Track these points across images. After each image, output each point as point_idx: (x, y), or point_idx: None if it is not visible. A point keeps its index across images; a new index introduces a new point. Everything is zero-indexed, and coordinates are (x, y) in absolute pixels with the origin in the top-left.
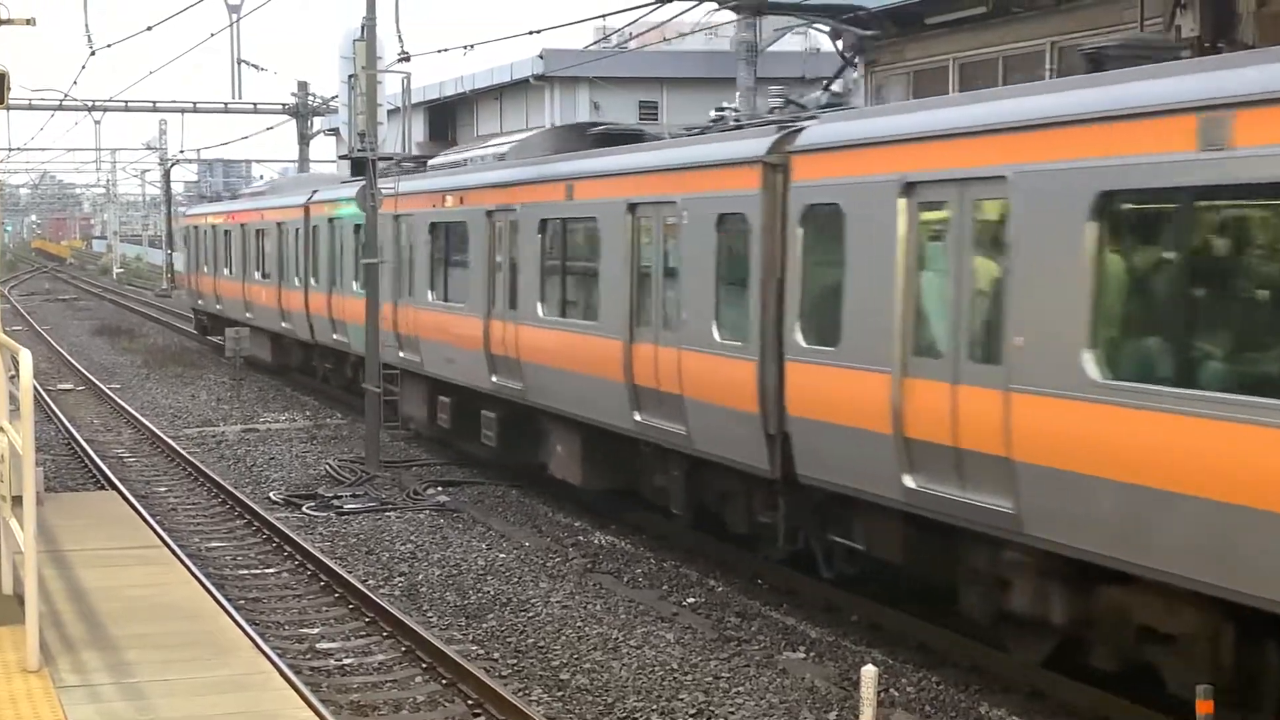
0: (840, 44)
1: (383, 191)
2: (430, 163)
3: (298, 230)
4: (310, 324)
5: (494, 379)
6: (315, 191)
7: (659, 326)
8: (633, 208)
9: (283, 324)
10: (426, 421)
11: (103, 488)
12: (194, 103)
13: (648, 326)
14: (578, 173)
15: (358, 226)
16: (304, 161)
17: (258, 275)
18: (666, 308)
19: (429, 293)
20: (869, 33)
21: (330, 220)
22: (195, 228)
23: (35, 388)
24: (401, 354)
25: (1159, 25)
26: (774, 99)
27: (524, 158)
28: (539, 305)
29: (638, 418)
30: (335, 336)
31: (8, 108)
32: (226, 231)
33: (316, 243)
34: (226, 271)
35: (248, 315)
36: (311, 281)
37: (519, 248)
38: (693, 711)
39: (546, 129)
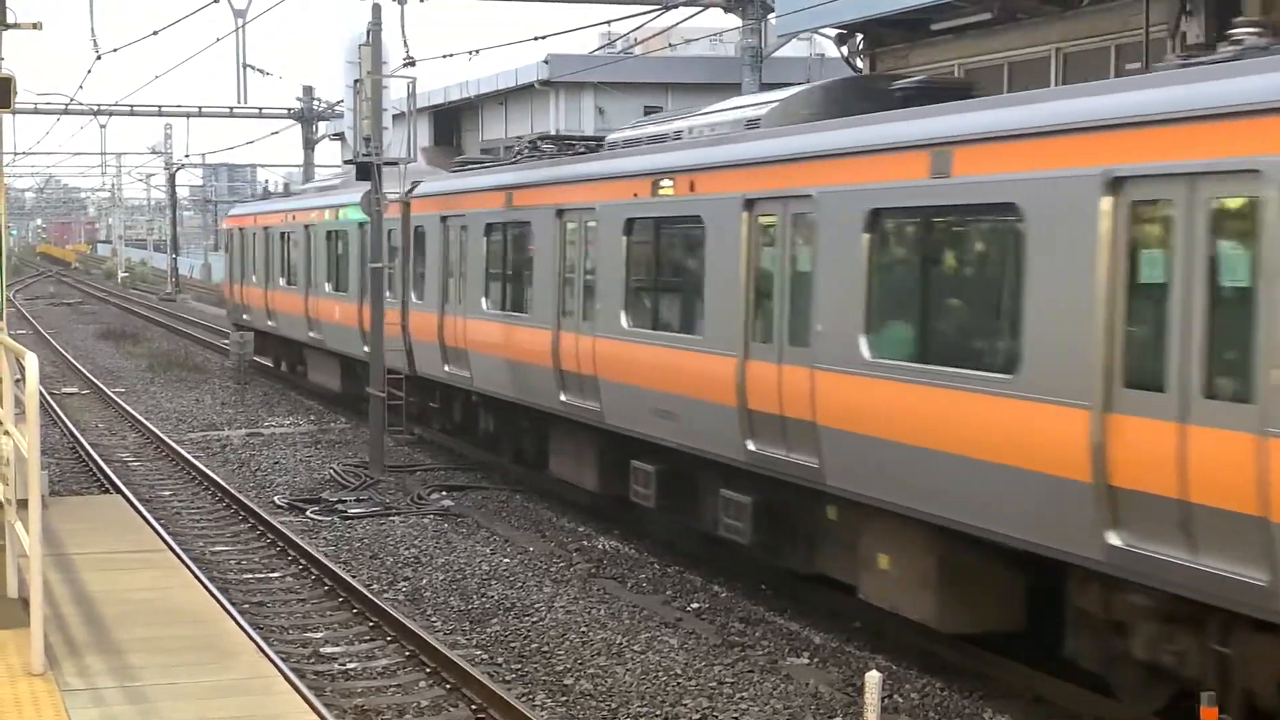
0: (845, 50)
1: (529, 180)
2: (612, 138)
3: (392, 233)
4: (410, 351)
5: (752, 446)
6: (418, 183)
7: (1191, 390)
8: (1116, 185)
9: (365, 348)
10: (599, 487)
11: (107, 491)
12: (199, 107)
13: (1160, 393)
14: (962, 133)
15: (491, 226)
16: (309, 166)
17: (328, 287)
18: (1220, 355)
19: (621, 316)
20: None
21: (444, 219)
22: (241, 230)
23: (40, 391)
24: (564, 397)
25: (1164, 31)
26: None
27: (791, 122)
28: (862, 342)
29: (1116, 541)
30: (449, 369)
31: (13, 112)
32: (284, 234)
33: (422, 248)
34: (283, 282)
35: (311, 335)
36: (413, 298)
37: (817, 250)
38: (696, 717)
39: (817, 85)
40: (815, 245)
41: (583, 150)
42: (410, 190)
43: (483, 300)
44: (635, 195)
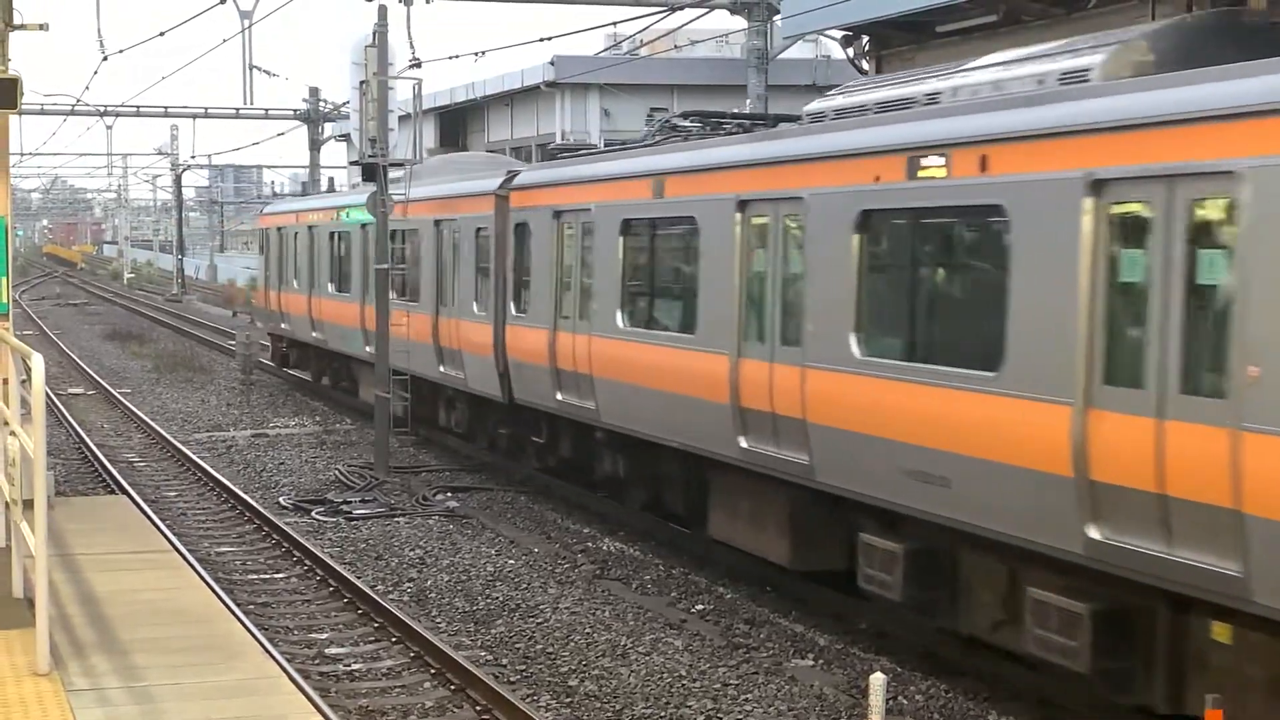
0: (851, 52)
1: (692, 164)
2: (814, 108)
3: (481, 231)
4: (506, 374)
5: (1097, 533)
6: (515, 172)
7: None
8: None
9: (441, 368)
10: (792, 561)
11: (113, 492)
12: (205, 108)
13: None
14: None
15: (632, 223)
16: (315, 167)
17: (393, 296)
18: None
19: (851, 341)
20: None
21: (557, 215)
22: (279, 230)
23: (46, 392)
24: (747, 442)
25: None
26: None
27: (1141, 72)
28: None
29: None
30: (564, 398)
31: (20, 113)
32: (334, 235)
33: (524, 250)
34: (332, 288)
35: (370, 350)
36: (511, 310)
37: (1246, 252)
38: (701, 718)
39: (1167, 25)
40: (1243, 245)
41: (734, 128)
42: (508, 180)
43: (618, 315)
44: (878, 179)
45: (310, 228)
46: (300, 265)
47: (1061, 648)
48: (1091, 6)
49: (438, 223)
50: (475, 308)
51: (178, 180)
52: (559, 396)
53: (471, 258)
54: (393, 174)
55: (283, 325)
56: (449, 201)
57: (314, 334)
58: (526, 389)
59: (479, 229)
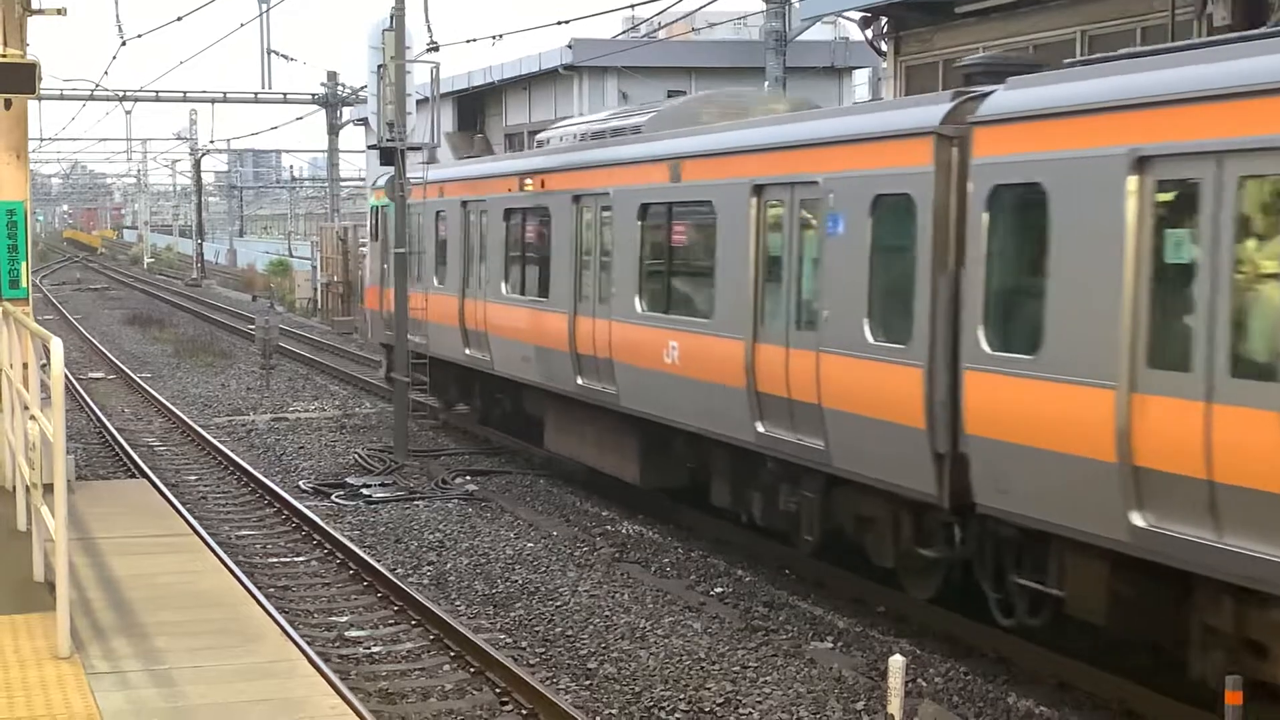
0: (869, 33)
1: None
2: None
3: (886, 201)
4: (957, 459)
5: (760, 428)
6: (983, 93)
7: None
8: None
9: (761, 425)
10: None
11: (133, 476)
12: (224, 93)
13: None
14: None
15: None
16: (334, 151)
17: (640, 305)
18: None
19: None
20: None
21: (1141, 165)
22: (411, 207)
23: (66, 376)
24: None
25: (1190, 14)
26: None
27: None
28: None
29: None
30: (1152, 524)
31: (39, 98)
32: (514, 211)
33: (1019, 239)
34: (506, 289)
35: (582, 383)
36: (984, 346)
37: None
38: (720, 700)
39: None
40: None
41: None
42: (960, 107)
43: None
44: None
45: (464, 203)
46: (449, 256)
47: None
48: None
49: (759, 189)
50: (869, 334)
51: (197, 165)
52: (1141, 522)
53: (858, 247)
54: (639, 117)
55: (414, 337)
56: (794, 153)
57: (469, 352)
58: (1020, 495)
59: (880, 196)
